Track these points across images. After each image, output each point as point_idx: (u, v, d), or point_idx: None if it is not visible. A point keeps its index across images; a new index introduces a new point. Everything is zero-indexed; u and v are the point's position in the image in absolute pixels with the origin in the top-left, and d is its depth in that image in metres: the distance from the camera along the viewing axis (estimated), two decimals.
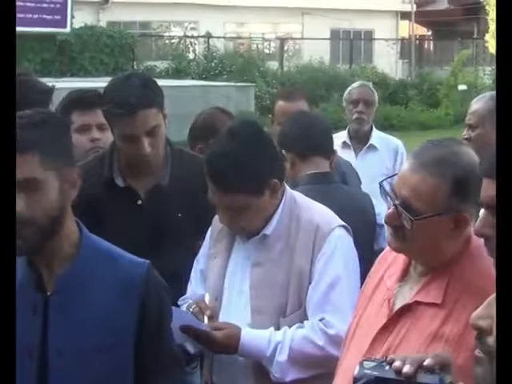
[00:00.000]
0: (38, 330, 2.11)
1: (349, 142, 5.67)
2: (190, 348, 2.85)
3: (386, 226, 2.35)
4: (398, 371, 1.65)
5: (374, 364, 1.70)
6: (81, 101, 3.81)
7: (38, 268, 2.17)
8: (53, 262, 2.14)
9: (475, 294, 2.06)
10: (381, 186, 2.33)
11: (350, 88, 5.84)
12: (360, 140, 5.67)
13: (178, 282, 3.03)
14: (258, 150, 2.79)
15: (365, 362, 1.71)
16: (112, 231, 3.19)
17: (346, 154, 5.59)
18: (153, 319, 2.23)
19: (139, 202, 3.36)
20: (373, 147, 5.60)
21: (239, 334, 2.75)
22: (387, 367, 1.68)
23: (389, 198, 2.28)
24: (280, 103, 4.64)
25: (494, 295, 1.41)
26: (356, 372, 1.70)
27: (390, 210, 2.26)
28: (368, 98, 5.68)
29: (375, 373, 1.67)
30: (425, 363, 1.66)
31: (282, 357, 2.75)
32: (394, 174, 2.37)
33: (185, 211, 3.35)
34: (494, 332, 1.37)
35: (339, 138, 5.73)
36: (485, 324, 1.39)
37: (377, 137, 5.67)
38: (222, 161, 2.74)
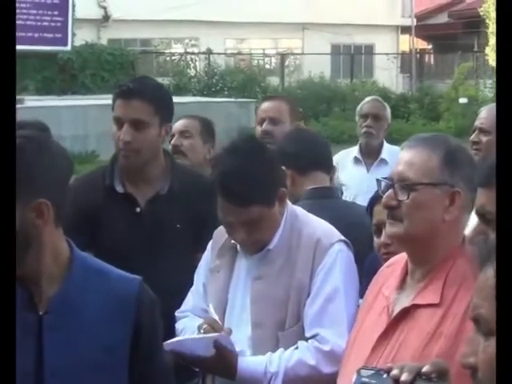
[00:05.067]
0: (32, 350, 2.09)
1: (360, 157, 5.61)
2: None
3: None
4: (396, 379, 1.65)
5: (371, 372, 1.69)
6: None
7: (29, 288, 2.14)
8: (42, 283, 2.12)
9: (471, 288, 2.08)
10: (378, 180, 2.42)
11: (362, 102, 5.79)
12: (370, 155, 5.60)
13: (173, 293, 2.99)
14: (262, 161, 2.83)
15: (362, 371, 1.70)
16: (110, 237, 3.25)
17: (357, 169, 5.56)
18: (146, 335, 2.22)
19: (138, 210, 3.37)
20: (384, 161, 5.51)
21: (236, 365, 2.75)
22: (385, 375, 1.67)
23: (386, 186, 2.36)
24: (263, 105, 4.65)
25: (471, 331, 1.43)
26: (354, 380, 1.69)
27: (387, 192, 2.34)
28: (377, 113, 5.60)
29: (373, 381, 1.67)
30: (422, 370, 1.66)
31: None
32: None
33: (183, 223, 3.37)
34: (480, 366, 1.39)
35: (351, 153, 5.71)
36: (473, 361, 1.40)
37: (388, 151, 5.57)
38: (233, 177, 2.76)
